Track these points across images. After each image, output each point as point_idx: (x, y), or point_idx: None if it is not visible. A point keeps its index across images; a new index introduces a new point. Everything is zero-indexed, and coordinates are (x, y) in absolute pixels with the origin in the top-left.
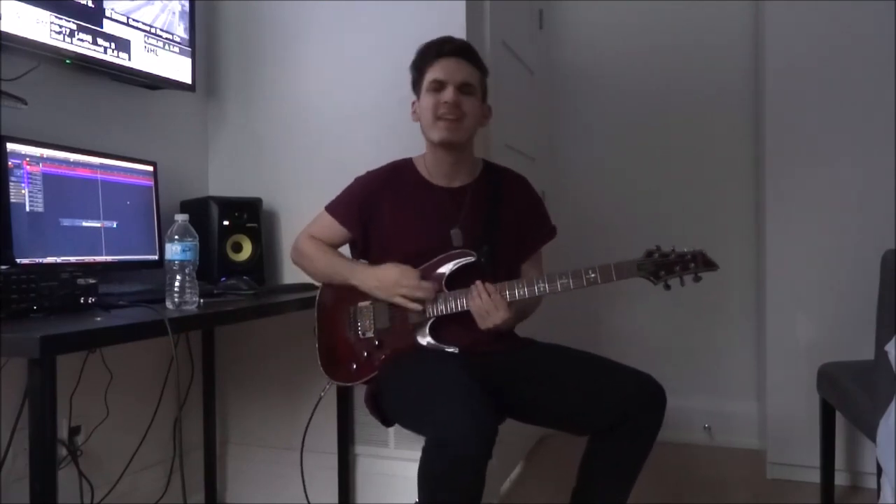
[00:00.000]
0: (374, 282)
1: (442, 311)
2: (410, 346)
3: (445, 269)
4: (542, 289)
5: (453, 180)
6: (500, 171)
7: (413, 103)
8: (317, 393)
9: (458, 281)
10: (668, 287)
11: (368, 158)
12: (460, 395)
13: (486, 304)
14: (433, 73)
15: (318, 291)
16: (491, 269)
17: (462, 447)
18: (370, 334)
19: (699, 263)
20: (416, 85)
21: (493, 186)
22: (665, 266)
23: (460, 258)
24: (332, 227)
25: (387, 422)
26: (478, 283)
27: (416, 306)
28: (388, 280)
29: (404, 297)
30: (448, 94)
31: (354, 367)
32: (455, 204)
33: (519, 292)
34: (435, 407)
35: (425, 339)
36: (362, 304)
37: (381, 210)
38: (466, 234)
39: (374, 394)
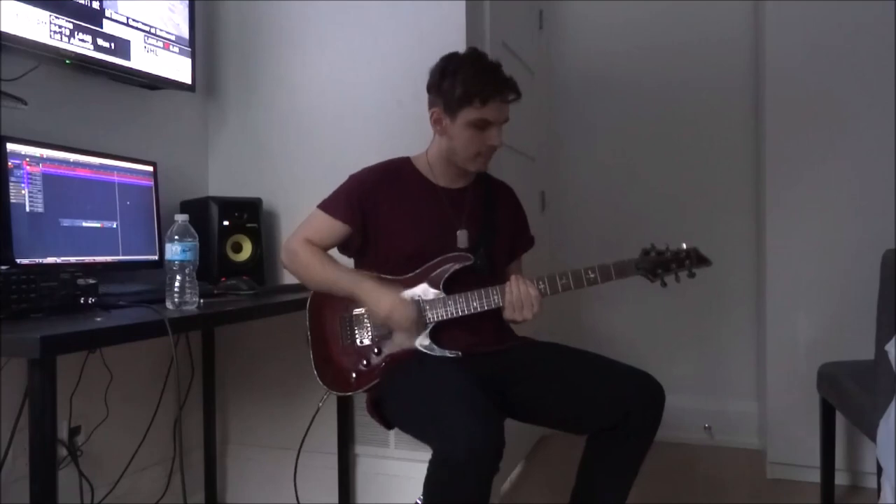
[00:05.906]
0: (373, 302)
1: (442, 315)
2: (410, 351)
3: (444, 272)
4: (543, 289)
5: (455, 182)
6: (490, 178)
7: (434, 112)
8: (317, 393)
9: (455, 285)
10: (664, 284)
11: (368, 158)
12: (466, 407)
13: (523, 296)
14: (484, 113)
15: (309, 299)
16: (487, 272)
17: (469, 464)
18: (368, 342)
19: (693, 260)
20: (452, 103)
21: (487, 191)
22: (661, 264)
23: (458, 262)
24: (330, 226)
25: (389, 426)
26: (518, 276)
27: (399, 336)
28: (382, 309)
29: (392, 327)
30: (496, 137)
31: (354, 376)
32: (458, 205)
33: None
34: (441, 420)
35: (425, 345)
36: (357, 311)
37: (378, 207)
38: (470, 235)
39: (376, 401)
